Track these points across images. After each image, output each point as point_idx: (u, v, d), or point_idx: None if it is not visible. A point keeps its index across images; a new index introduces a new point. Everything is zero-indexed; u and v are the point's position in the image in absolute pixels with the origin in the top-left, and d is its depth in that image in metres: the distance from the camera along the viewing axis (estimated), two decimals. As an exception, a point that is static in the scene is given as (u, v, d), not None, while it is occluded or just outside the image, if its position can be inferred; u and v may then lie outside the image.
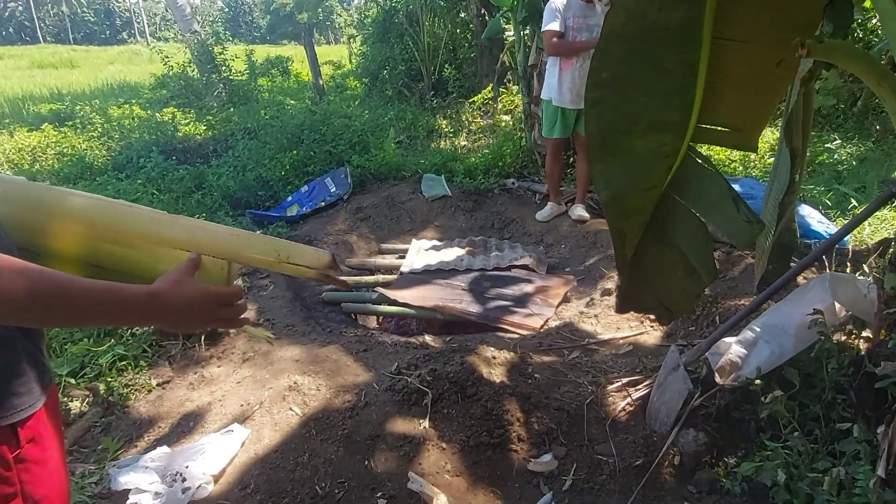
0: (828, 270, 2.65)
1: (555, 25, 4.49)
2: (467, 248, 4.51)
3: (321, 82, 11.97)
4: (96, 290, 0.90)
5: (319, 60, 12.94)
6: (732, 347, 2.27)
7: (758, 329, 2.23)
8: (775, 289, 2.10)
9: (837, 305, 2.18)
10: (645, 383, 2.50)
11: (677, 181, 1.70)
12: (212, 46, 10.49)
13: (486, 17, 9.85)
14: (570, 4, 4.51)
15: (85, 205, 1.13)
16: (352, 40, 14.51)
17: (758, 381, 2.13)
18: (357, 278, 4.28)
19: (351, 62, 14.57)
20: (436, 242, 4.75)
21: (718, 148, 5.11)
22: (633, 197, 1.62)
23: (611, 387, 2.53)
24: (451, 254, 4.42)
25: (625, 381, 2.54)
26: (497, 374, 2.53)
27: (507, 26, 6.60)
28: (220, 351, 2.99)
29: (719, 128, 1.65)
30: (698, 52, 1.54)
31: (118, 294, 0.92)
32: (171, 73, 10.64)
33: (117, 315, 0.95)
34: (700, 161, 1.64)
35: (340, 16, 30.08)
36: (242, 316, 1.06)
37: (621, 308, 1.96)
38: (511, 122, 7.69)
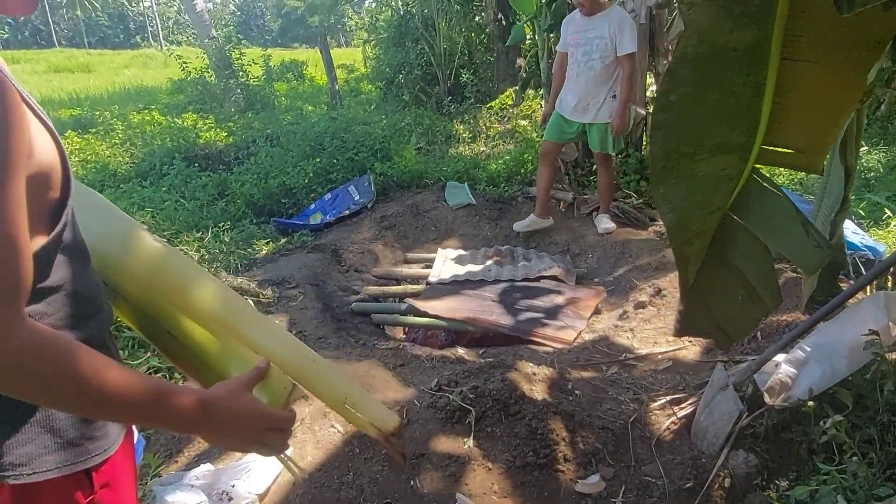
0: (871, 291, 2.61)
1: (560, 47, 4.64)
2: (494, 258, 4.49)
3: (337, 87, 11.98)
4: (159, 389, 0.85)
5: (333, 63, 12.96)
6: (782, 367, 2.23)
7: (808, 348, 2.19)
8: (831, 308, 2.06)
9: (892, 325, 2.14)
10: (689, 401, 2.46)
11: (739, 203, 1.67)
12: (230, 51, 10.53)
13: (503, 22, 9.84)
14: (572, 19, 4.57)
15: (165, 258, 1.08)
16: (366, 44, 14.51)
17: (809, 403, 2.09)
18: (384, 288, 4.27)
19: (365, 66, 14.58)
20: (462, 252, 4.73)
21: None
22: (696, 220, 1.60)
23: (654, 404, 2.50)
24: (479, 264, 4.40)
25: (668, 398, 2.51)
26: (538, 391, 2.50)
27: (528, 29, 6.59)
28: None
29: (784, 149, 1.62)
30: (765, 73, 1.51)
31: (168, 399, 0.86)
32: (188, 77, 10.70)
33: (161, 419, 0.90)
34: (764, 183, 1.62)
35: (352, 19, 30.13)
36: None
37: (680, 332, 1.93)
38: (528, 127, 7.67)
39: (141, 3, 51.58)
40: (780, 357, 2.21)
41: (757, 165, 1.64)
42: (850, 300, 2.35)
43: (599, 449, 2.26)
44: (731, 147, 1.59)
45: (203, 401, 0.90)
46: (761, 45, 1.47)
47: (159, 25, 50.67)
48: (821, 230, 2.14)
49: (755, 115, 1.55)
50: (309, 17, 16.12)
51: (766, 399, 2.22)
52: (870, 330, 2.05)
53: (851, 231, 3.71)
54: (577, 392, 2.58)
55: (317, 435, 2.37)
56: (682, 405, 2.46)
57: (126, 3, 48.38)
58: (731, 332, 1.87)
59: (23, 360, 0.73)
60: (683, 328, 1.91)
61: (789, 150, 1.65)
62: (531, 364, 2.69)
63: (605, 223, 4.72)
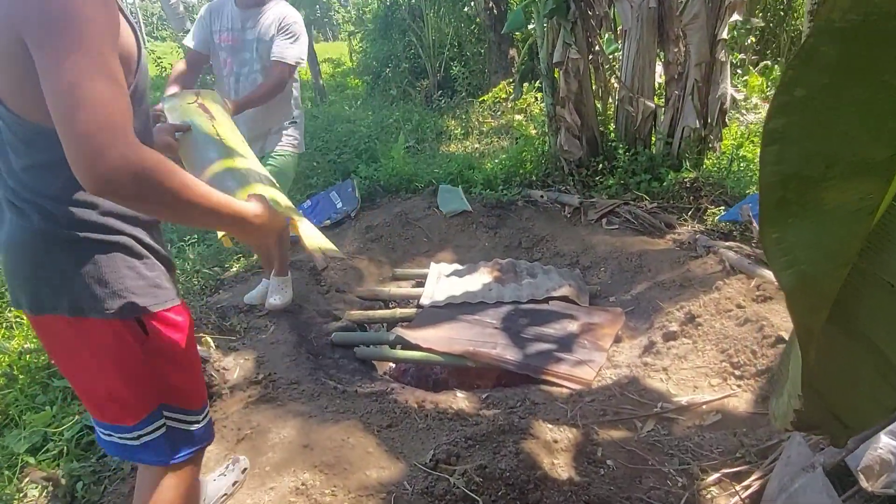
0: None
1: (196, 45, 3.11)
2: (495, 275, 3.95)
3: (321, 82, 11.38)
4: (223, 201, 1.16)
5: (318, 58, 12.36)
6: (881, 440, 1.72)
7: (919, 418, 1.68)
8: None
9: None
10: (754, 476, 1.94)
11: (875, 248, 1.13)
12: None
13: (496, 11, 9.30)
14: (220, 9, 3.10)
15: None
16: (351, 37, 13.93)
17: (925, 490, 1.58)
18: (370, 313, 3.73)
19: (351, 60, 14.00)
20: (457, 266, 4.18)
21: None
22: (826, 278, 1.07)
23: (707, 479, 1.97)
24: (477, 281, 3.86)
25: (725, 472, 1.98)
26: (562, 466, 1.97)
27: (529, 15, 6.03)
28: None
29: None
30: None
31: (236, 207, 1.21)
32: (164, 74, 10.08)
33: (228, 222, 1.20)
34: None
35: (338, 12, 29.35)
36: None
37: (799, 425, 1.39)
38: (524, 123, 7.13)
39: (122, -1, 50.62)
40: (881, 430, 1.70)
41: (905, 192, 1.11)
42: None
43: (647, 550, 1.74)
44: (873, 166, 1.06)
45: (245, 210, 1.23)
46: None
47: (142, 21, 49.72)
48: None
49: (912, 117, 1.02)
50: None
51: (862, 482, 1.70)
52: None
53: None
54: (608, 462, 2.05)
55: None
56: (747, 482, 1.93)
57: (106, -2, 47.43)
58: (850, 422, 1.35)
59: (143, 170, 0.99)
60: (800, 421, 1.37)
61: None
62: (549, 426, 2.16)
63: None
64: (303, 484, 1.95)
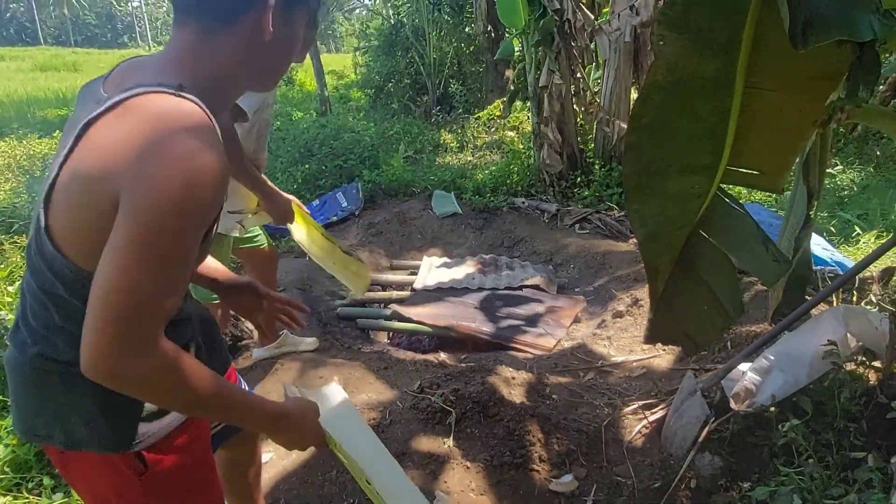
0: (837, 303, 2.74)
1: None
2: (478, 267, 4.60)
3: (326, 93, 12.07)
4: (248, 402, 1.08)
5: (323, 70, 13.04)
6: (747, 375, 2.35)
7: (772, 357, 2.32)
8: (792, 319, 2.19)
9: (850, 337, 2.27)
10: (660, 407, 2.58)
11: (707, 220, 1.78)
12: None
13: (493, 34, 10.01)
14: None
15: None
16: (356, 52, 14.62)
17: (772, 409, 2.22)
18: (370, 294, 4.36)
19: (355, 73, 14.68)
20: (447, 259, 4.83)
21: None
22: (666, 235, 1.71)
23: (627, 409, 2.61)
24: (463, 272, 4.50)
25: (640, 403, 2.62)
26: (517, 395, 2.61)
27: (517, 43, 6.73)
28: (242, 357, 3.06)
29: (747, 170, 1.75)
30: (730, 101, 1.63)
31: (260, 408, 1.09)
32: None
33: (247, 422, 1.13)
34: (729, 202, 1.74)
35: (342, 25, 30.26)
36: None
37: (650, 339, 2.04)
38: (515, 139, 7.82)
39: (129, 3, 51.31)
40: (746, 365, 2.34)
41: (722, 185, 1.76)
42: (816, 312, 2.49)
43: (573, 450, 2.36)
44: (699, 168, 1.71)
45: (279, 413, 1.11)
46: (726, 75, 1.59)
47: (147, 26, 50.45)
48: (787, 246, 2.27)
49: (721, 138, 1.67)
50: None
51: (732, 405, 2.34)
52: (829, 341, 2.18)
53: (822, 248, 3.86)
54: (554, 396, 2.68)
55: (302, 433, 2.45)
56: (654, 410, 2.57)
57: (115, 2, 48.11)
58: (697, 340, 1.99)
59: (163, 371, 0.90)
60: (653, 335, 2.02)
61: (752, 171, 1.77)
62: (510, 369, 2.80)
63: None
64: (320, 400, 2.58)
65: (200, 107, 0.90)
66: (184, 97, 0.89)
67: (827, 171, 5.91)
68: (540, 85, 5.79)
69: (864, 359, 2.26)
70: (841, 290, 3.11)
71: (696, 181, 1.71)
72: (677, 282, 1.87)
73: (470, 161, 7.46)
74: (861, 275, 3.49)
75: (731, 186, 2.12)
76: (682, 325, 1.95)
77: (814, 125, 1.79)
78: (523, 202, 5.60)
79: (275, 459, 2.36)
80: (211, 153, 0.86)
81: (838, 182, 5.59)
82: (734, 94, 1.62)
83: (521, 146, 7.06)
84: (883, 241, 2.68)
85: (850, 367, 2.25)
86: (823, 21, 1.30)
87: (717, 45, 1.52)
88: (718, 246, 1.79)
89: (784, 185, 1.81)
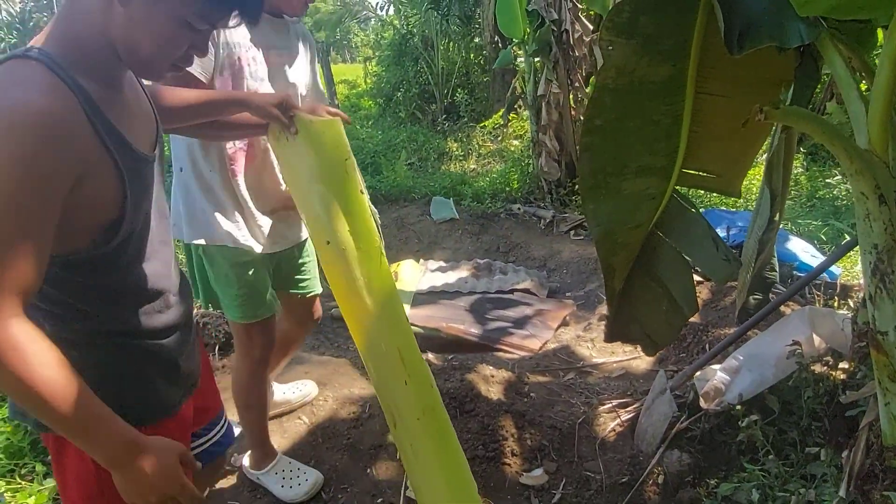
0: (809, 305, 2.79)
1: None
2: (472, 271, 4.67)
3: (336, 102, 12.23)
4: (99, 414, 0.92)
5: (335, 79, 13.23)
6: (717, 374, 2.41)
7: (741, 357, 2.37)
8: (757, 320, 2.24)
9: (816, 338, 2.33)
10: (634, 405, 2.64)
11: (662, 220, 1.85)
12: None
13: (499, 44, 10.11)
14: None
15: None
16: (368, 61, 14.80)
17: (739, 407, 2.27)
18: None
19: (366, 82, 14.87)
20: (442, 264, 4.91)
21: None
22: (621, 234, 1.78)
23: (602, 408, 2.67)
24: (457, 276, 4.58)
25: (615, 402, 2.68)
26: (494, 392, 2.67)
27: (519, 52, 6.81)
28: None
29: (702, 173, 1.82)
30: (682, 105, 1.70)
31: (114, 427, 0.94)
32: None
33: (95, 442, 0.94)
34: (683, 203, 1.80)
35: (357, 35, 30.52)
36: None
37: (610, 337, 2.11)
38: (520, 147, 7.89)
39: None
40: (717, 365, 2.39)
41: (678, 187, 1.83)
42: (786, 313, 2.54)
43: (546, 446, 2.42)
44: (654, 170, 1.78)
45: (134, 442, 0.96)
46: (677, 80, 1.66)
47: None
48: (751, 248, 2.33)
49: (674, 141, 1.75)
50: (315, 32, 16.41)
51: (702, 403, 2.39)
52: (794, 341, 2.23)
53: (810, 255, 3.89)
54: (532, 394, 2.75)
55: (284, 425, 2.54)
56: (628, 409, 2.63)
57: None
58: (657, 339, 2.05)
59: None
60: (612, 334, 2.09)
61: (709, 174, 1.84)
62: (491, 367, 2.87)
63: None
64: (303, 394, 2.67)
65: (49, 65, 0.90)
66: (30, 57, 0.91)
67: (826, 180, 5.96)
68: (538, 94, 5.88)
69: (829, 359, 2.31)
70: (825, 297, 3.16)
71: (651, 182, 1.78)
72: (635, 281, 1.93)
73: (474, 169, 7.55)
74: (847, 282, 3.53)
75: (692, 189, 2.19)
76: (641, 325, 2.01)
77: (765, 132, 1.86)
78: (520, 208, 5.67)
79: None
80: (30, 101, 0.86)
81: (835, 192, 5.61)
82: (685, 98, 1.69)
83: (523, 155, 7.14)
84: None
85: (815, 367, 2.30)
86: (756, 28, 1.38)
87: (666, 52, 1.60)
88: (674, 246, 1.85)
89: (740, 187, 1.88)
